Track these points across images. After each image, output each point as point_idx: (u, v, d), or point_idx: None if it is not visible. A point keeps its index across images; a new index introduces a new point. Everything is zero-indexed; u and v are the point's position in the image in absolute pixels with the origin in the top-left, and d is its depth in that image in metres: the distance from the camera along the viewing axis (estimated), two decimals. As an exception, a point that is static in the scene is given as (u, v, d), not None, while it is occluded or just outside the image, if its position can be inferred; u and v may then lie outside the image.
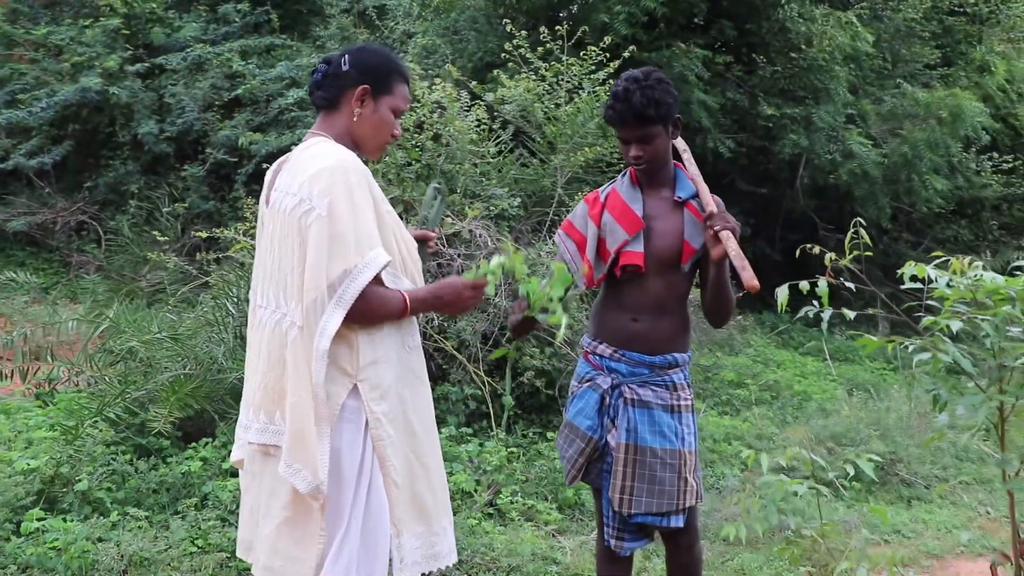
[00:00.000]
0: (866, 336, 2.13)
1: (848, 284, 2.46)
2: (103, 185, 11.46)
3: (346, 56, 2.58)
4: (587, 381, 3.27)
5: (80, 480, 4.30)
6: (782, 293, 2.35)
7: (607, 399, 3.19)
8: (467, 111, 7.08)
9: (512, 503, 5.04)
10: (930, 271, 1.94)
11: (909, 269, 1.99)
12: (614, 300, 3.26)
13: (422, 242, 2.85)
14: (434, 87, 6.92)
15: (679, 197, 3.15)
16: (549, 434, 5.92)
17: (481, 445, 5.53)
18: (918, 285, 2.03)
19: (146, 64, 11.44)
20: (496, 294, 2.66)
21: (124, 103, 11.09)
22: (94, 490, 4.31)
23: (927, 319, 2.00)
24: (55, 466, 4.35)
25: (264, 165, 7.31)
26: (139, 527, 4.16)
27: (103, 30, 11.38)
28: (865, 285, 2.64)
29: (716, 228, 2.88)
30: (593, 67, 7.94)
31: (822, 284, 2.17)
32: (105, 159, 11.61)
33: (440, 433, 5.48)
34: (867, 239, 2.43)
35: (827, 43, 10.47)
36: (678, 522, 3.17)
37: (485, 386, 5.82)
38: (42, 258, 11.28)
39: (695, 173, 3.18)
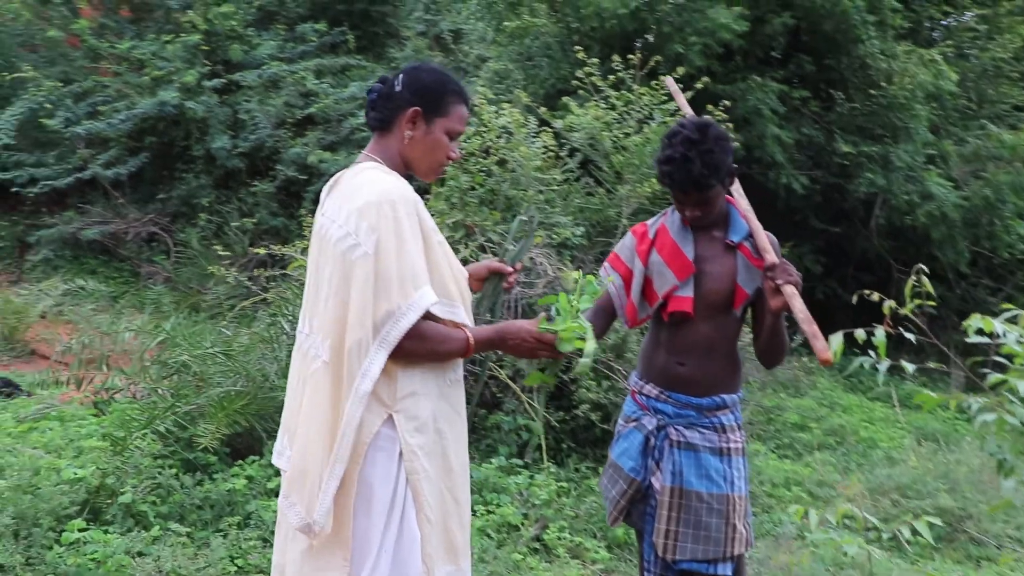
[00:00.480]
0: (926, 392, 1.97)
1: (909, 334, 2.29)
2: (175, 197, 11.64)
3: (400, 76, 2.51)
4: (633, 421, 3.18)
5: (124, 492, 4.28)
6: (836, 341, 2.20)
7: (652, 440, 3.10)
8: (534, 137, 7.00)
9: (559, 539, 4.91)
10: (998, 325, 1.78)
11: (975, 322, 1.84)
12: (661, 342, 3.16)
13: (499, 275, 2.74)
14: (501, 112, 6.85)
15: (732, 241, 3.05)
16: (601, 469, 5.77)
17: (531, 478, 5.41)
18: (986, 339, 1.88)
19: (223, 80, 11.58)
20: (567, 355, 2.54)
21: (199, 117, 11.24)
22: (138, 503, 4.29)
23: (992, 377, 1.85)
24: (101, 477, 4.34)
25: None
26: (180, 543, 4.13)
27: (183, 45, 11.56)
28: (926, 336, 2.46)
29: (779, 282, 2.76)
30: (664, 97, 7.81)
31: (879, 334, 2.02)
32: (179, 172, 11.79)
33: (489, 463, 5.43)
34: (929, 287, 2.26)
35: (908, 81, 10.21)
36: (725, 570, 3.05)
37: (539, 417, 5.70)
38: (113, 267, 11.47)
39: (747, 208, 3.07)
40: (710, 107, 7.89)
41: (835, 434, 7.79)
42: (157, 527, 4.18)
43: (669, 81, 3.80)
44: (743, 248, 3.03)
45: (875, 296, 2.39)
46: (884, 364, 1.96)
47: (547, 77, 9.99)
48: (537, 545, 4.92)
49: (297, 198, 11.09)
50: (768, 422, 7.64)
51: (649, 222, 3.25)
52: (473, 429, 6.04)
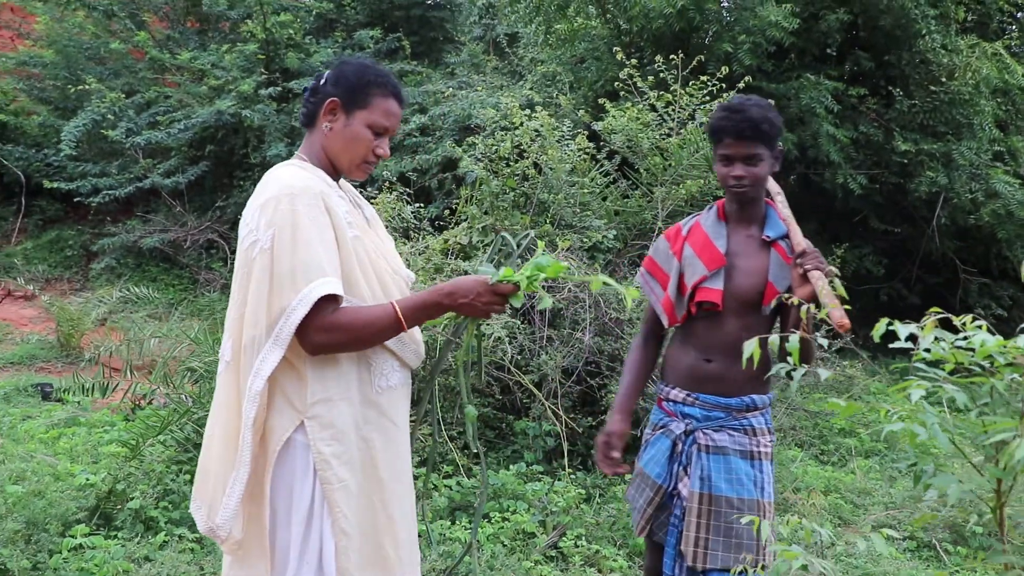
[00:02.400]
0: (833, 400, 1.87)
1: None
2: (233, 205, 11.83)
3: (327, 71, 2.48)
4: (660, 428, 3.10)
5: (133, 498, 4.33)
6: (879, 327, 2.05)
7: (679, 446, 3.01)
8: (570, 139, 6.93)
9: (576, 547, 4.83)
10: (902, 329, 1.68)
11: (881, 327, 1.73)
12: (688, 340, 3.08)
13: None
14: (534, 115, 6.80)
15: (768, 236, 2.98)
16: (628, 476, 5.68)
17: (551, 484, 5.34)
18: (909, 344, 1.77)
19: (279, 88, 11.74)
20: (523, 305, 2.47)
21: (256, 126, 11.40)
22: (148, 508, 4.33)
23: (894, 387, 1.74)
24: (112, 482, 4.40)
25: (403, 191, 7.38)
26: (189, 548, 4.16)
27: (241, 55, 11.75)
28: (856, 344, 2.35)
29: (807, 267, 2.70)
30: (707, 97, 7.69)
31: (793, 340, 1.92)
32: (237, 180, 11.98)
33: (507, 471, 5.38)
34: (841, 291, 2.15)
35: (971, 76, 9.87)
36: None
37: (562, 423, 5.63)
38: (173, 274, 11.71)
39: (788, 215, 2.99)
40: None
41: (884, 440, 7.54)
42: (164, 533, 4.22)
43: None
44: (778, 246, 2.96)
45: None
46: (799, 372, 1.86)
47: (596, 79, 9.90)
48: (553, 553, 4.85)
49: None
50: (814, 427, 7.44)
51: (682, 222, 3.19)
52: (501, 435, 6.00)
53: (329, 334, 2.23)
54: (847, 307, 2.48)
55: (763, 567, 2.96)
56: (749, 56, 9.26)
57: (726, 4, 9.70)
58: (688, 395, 3.01)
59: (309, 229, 2.23)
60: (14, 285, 10.33)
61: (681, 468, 3.00)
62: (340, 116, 2.41)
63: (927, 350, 1.66)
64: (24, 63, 12.94)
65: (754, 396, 2.98)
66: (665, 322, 3.08)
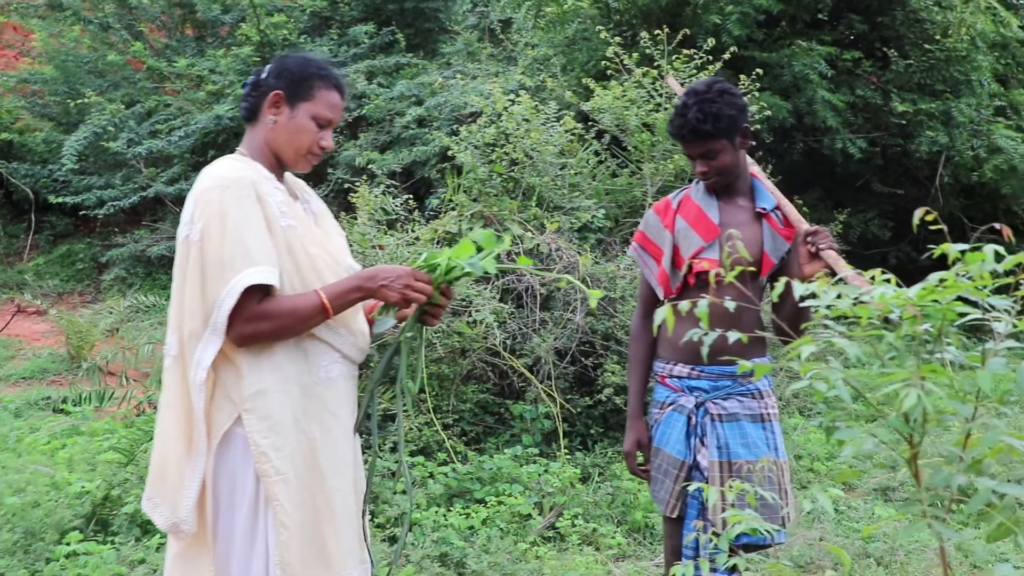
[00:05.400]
0: (744, 363, 1.89)
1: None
2: (237, 207, 11.86)
3: (269, 65, 2.51)
4: (669, 405, 3.10)
5: (128, 503, 4.39)
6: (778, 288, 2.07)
7: (693, 419, 3.03)
8: (555, 122, 6.93)
9: (574, 526, 4.85)
10: (798, 287, 1.69)
11: (779, 288, 1.74)
12: (686, 314, 3.09)
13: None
14: (517, 100, 6.81)
15: (762, 208, 3.02)
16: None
17: (546, 466, 5.36)
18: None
19: (275, 89, 11.76)
20: (443, 293, 2.46)
21: (255, 128, 11.42)
22: (142, 512, 4.38)
23: (789, 347, 1.75)
24: (107, 488, 4.47)
25: (389, 183, 7.42)
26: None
27: (236, 58, 11.81)
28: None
29: (821, 246, 2.76)
30: (694, 70, 7.66)
31: (702, 304, 1.92)
32: (240, 183, 12.01)
33: (502, 454, 5.41)
34: (744, 252, 2.15)
35: (965, 31, 9.76)
36: (782, 537, 2.99)
37: (557, 405, 5.65)
38: (182, 281, 11.78)
39: (773, 188, 3.05)
40: (743, 78, 7.70)
41: (889, 404, 7.50)
42: (159, 535, 4.28)
43: (670, 80, 3.80)
44: (769, 218, 3.01)
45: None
46: (711, 336, 1.87)
47: (586, 60, 9.87)
48: (551, 533, 4.88)
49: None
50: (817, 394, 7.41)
51: (671, 196, 3.21)
52: (501, 420, 6.03)
53: (253, 324, 2.25)
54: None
55: (786, 524, 3.00)
56: (738, 27, 9.21)
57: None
58: (693, 368, 3.02)
59: (238, 219, 2.26)
60: (25, 301, 10.43)
61: (698, 440, 3.02)
62: (284, 109, 2.43)
63: (828, 307, 1.67)
64: (25, 80, 13.07)
65: (756, 359, 3.00)
66: (660, 294, 3.10)
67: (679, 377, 3.06)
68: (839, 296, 1.70)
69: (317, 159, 2.49)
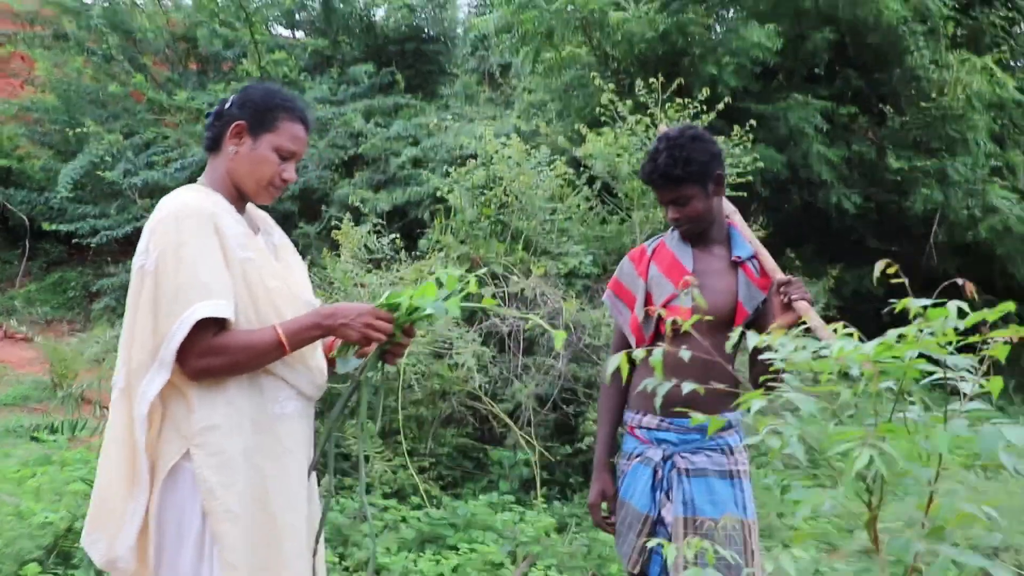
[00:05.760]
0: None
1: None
2: (233, 243, 11.85)
3: (233, 96, 2.47)
4: (636, 457, 3.02)
5: (90, 536, 4.30)
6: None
7: (660, 472, 2.94)
8: (546, 166, 6.91)
9: (547, 577, 4.75)
10: (751, 337, 1.64)
11: (733, 338, 1.69)
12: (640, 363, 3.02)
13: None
14: (507, 144, 6.80)
15: (738, 257, 2.96)
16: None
17: (522, 514, 5.27)
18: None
19: (272, 125, 11.80)
20: (406, 332, 2.42)
21: (250, 163, 11.44)
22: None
23: (745, 402, 1.69)
24: (71, 520, 4.38)
25: (376, 222, 7.39)
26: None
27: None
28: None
29: (793, 297, 2.69)
30: (688, 118, 7.66)
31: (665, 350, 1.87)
32: (234, 217, 12.01)
33: (477, 500, 5.32)
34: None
35: (961, 91, 9.78)
36: None
37: (535, 452, 5.56)
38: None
39: (750, 235, 2.98)
40: (736, 128, 7.71)
41: (845, 463, 7.39)
42: (119, 570, 4.18)
43: (663, 128, 3.77)
44: (745, 267, 2.95)
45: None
46: (663, 386, 1.82)
47: (582, 106, 9.89)
48: (523, 584, 4.78)
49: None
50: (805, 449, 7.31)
51: (646, 243, 3.16)
52: (479, 465, 5.95)
53: (207, 358, 2.20)
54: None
55: None
56: (734, 78, 9.23)
57: (711, 24, 9.66)
58: (661, 420, 2.94)
59: (194, 250, 2.21)
60: (11, 327, 10.37)
61: (663, 494, 2.94)
62: (246, 139, 2.39)
63: (783, 360, 1.62)
64: (27, 108, 13.13)
65: (727, 414, 2.93)
66: (633, 343, 3.04)
67: (647, 428, 2.98)
68: (796, 349, 1.65)
69: (279, 191, 2.45)
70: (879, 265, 1.70)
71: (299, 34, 14.77)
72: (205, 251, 2.22)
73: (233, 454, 2.24)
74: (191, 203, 2.28)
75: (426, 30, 13.75)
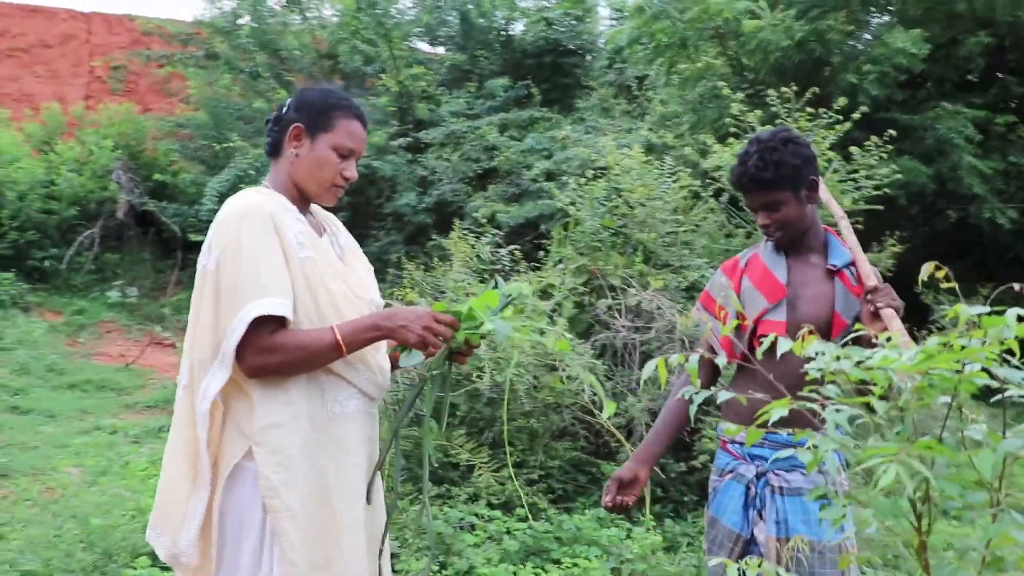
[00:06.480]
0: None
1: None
2: (368, 254, 12.05)
3: (289, 100, 2.48)
4: (728, 473, 2.91)
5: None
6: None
7: (752, 489, 2.83)
8: (669, 177, 6.77)
9: (651, 598, 4.61)
10: (783, 343, 1.51)
11: (765, 345, 1.56)
12: (750, 378, 2.90)
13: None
14: (627, 155, 6.69)
15: (833, 265, 2.82)
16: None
17: (628, 531, 5.13)
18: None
19: (410, 139, 12.01)
20: (465, 344, 2.35)
21: (388, 176, 11.68)
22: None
23: (772, 408, 1.55)
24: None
25: (495, 233, 7.40)
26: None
27: (372, 108, 12.12)
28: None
29: (879, 305, 2.54)
30: (821, 129, 7.37)
31: (692, 359, 1.75)
32: (372, 229, 12.28)
33: (583, 515, 5.21)
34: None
35: None
36: None
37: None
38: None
39: (853, 243, 2.81)
40: (873, 138, 7.36)
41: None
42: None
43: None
44: (842, 275, 2.81)
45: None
46: (701, 395, 1.70)
47: (716, 118, 9.66)
48: (627, 603, 4.65)
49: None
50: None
51: (740, 255, 3.05)
52: (592, 480, 5.84)
53: (264, 356, 2.20)
54: None
55: None
56: (875, 87, 8.84)
57: (852, 31, 9.30)
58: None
59: (254, 249, 2.23)
60: (157, 334, 10.85)
61: (756, 513, 2.81)
62: (305, 141, 2.40)
63: (819, 369, 1.49)
64: (181, 125, 13.79)
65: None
66: (723, 359, 2.92)
67: (741, 444, 2.85)
68: (838, 357, 1.51)
69: (341, 191, 2.45)
70: (926, 268, 1.53)
71: (440, 49, 15.00)
72: (265, 250, 2.24)
73: (293, 452, 2.25)
74: (252, 203, 2.30)
75: (564, 43, 13.74)
